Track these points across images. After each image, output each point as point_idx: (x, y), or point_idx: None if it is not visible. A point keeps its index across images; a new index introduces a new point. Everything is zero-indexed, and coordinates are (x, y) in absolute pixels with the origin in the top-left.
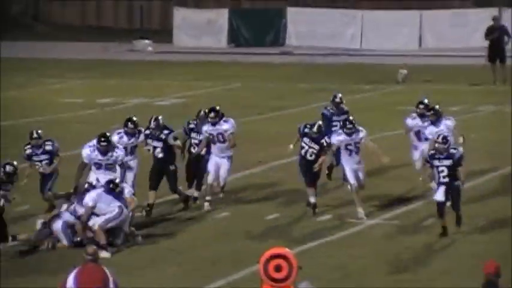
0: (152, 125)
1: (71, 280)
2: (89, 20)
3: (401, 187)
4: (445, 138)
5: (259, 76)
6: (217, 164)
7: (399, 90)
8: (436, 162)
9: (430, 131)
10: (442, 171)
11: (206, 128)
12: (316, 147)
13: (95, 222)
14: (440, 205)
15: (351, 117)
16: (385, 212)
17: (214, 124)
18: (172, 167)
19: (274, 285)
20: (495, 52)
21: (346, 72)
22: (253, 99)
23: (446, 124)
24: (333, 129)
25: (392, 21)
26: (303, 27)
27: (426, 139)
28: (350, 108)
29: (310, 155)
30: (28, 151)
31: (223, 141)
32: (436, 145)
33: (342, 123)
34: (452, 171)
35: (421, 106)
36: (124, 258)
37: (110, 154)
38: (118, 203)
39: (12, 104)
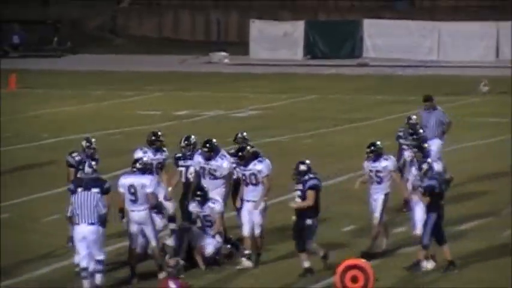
0: (183, 144)
1: None
2: (166, 33)
3: (476, 199)
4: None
5: (335, 88)
6: (251, 212)
7: (476, 102)
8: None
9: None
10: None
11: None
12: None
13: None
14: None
15: (378, 142)
16: (456, 226)
17: (246, 164)
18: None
19: None
20: None
21: (423, 84)
22: (330, 111)
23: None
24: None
25: (469, 32)
26: (380, 39)
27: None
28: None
29: None
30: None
31: (256, 184)
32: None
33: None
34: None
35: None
36: (200, 272)
37: (213, 161)
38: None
39: (91, 117)
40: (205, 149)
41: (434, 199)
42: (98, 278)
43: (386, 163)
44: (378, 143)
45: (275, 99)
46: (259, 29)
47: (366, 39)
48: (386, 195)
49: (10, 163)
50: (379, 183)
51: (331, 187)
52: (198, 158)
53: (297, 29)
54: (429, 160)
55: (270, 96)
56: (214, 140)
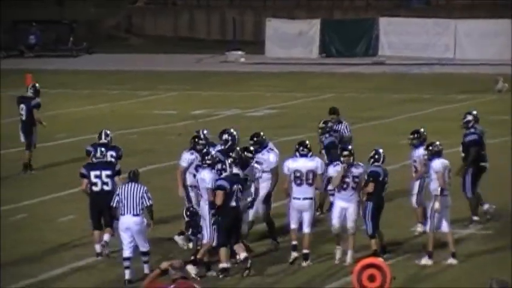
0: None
1: None
2: (182, 32)
3: (494, 196)
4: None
5: (351, 87)
6: (300, 210)
7: (492, 100)
8: None
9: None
10: None
11: (289, 164)
12: None
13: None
14: None
15: (350, 147)
16: (479, 221)
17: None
18: None
19: None
20: None
21: (439, 82)
22: (346, 109)
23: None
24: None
25: (485, 30)
26: (395, 37)
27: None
28: (443, 118)
29: None
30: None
31: (311, 183)
32: None
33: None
34: None
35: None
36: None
37: (259, 154)
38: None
39: (107, 116)
40: (252, 142)
41: (376, 188)
42: (146, 268)
43: (362, 169)
44: (350, 147)
45: (291, 98)
46: (274, 28)
47: (381, 38)
48: (358, 202)
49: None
50: (354, 189)
51: None
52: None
53: (312, 27)
54: (380, 150)
55: (286, 95)
56: (262, 133)
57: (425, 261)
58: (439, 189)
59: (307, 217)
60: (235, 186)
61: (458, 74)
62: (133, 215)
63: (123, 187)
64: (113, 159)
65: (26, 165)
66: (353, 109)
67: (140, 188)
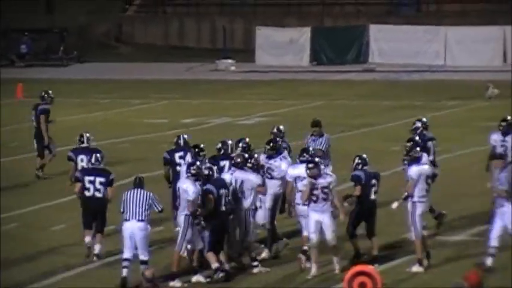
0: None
1: None
2: (172, 41)
3: (487, 202)
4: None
5: (342, 94)
6: (302, 216)
7: (483, 106)
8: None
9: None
10: None
11: (290, 171)
12: None
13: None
14: None
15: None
16: (468, 228)
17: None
18: None
19: None
20: None
21: (429, 89)
22: (336, 117)
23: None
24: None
25: (476, 37)
26: (386, 44)
27: None
28: (434, 124)
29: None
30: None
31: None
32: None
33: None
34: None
35: None
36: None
37: (272, 161)
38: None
39: (98, 125)
40: (268, 147)
41: (361, 191)
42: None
43: (331, 179)
44: (317, 159)
45: (282, 106)
46: (265, 36)
47: (372, 45)
48: (332, 212)
49: (17, 172)
50: (325, 200)
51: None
52: (262, 156)
53: (302, 35)
54: (364, 155)
55: (277, 103)
56: (278, 140)
57: (416, 268)
58: (405, 194)
59: (305, 222)
60: (221, 190)
61: (449, 80)
62: (138, 220)
63: (128, 193)
64: (97, 162)
65: (41, 168)
66: (344, 116)
67: (146, 195)
